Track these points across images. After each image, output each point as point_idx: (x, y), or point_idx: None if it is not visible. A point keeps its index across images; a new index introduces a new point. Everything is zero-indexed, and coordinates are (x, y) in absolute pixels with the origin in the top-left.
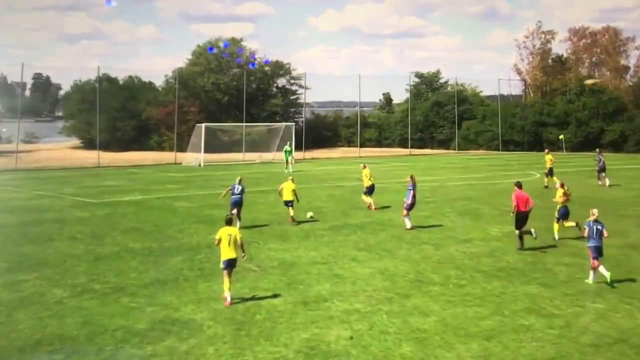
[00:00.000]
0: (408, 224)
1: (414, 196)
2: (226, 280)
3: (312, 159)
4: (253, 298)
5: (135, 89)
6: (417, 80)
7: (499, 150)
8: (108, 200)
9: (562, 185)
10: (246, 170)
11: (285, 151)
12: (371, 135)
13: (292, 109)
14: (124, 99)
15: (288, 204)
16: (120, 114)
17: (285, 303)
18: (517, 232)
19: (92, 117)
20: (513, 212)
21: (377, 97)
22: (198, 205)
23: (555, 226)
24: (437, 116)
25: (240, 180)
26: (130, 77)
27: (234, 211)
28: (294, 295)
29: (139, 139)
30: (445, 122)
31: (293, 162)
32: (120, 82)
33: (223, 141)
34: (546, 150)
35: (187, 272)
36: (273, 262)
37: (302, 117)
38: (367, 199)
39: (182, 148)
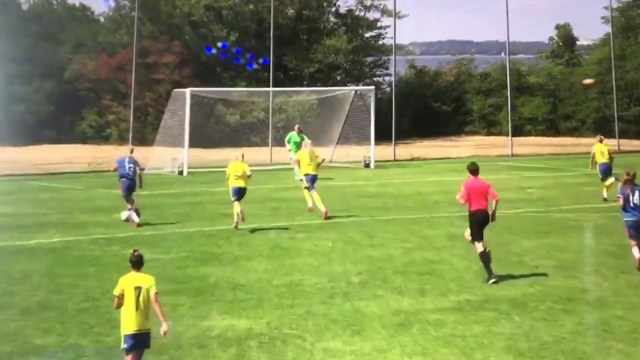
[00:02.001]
0: None
1: None
2: None
3: (409, 160)
4: None
5: (54, 20)
6: None
7: None
8: None
9: (600, 141)
10: (274, 184)
11: (293, 141)
12: (535, 110)
13: (370, 59)
14: (31, 39)
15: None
16: (21, 71)
17: None
18: (476, 246)
19: None
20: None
21: (543, 35)
22: (175, 257)
23: (603, 187)
24: None
25: (132, 152)
26: None
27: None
28: None
29: (58, 121)
30: None
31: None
32: (24, 7)
33: (228, 124)
34: (599, 137)
35: None
36: None
37: (390, 76)
38: None
39: (144, 138)
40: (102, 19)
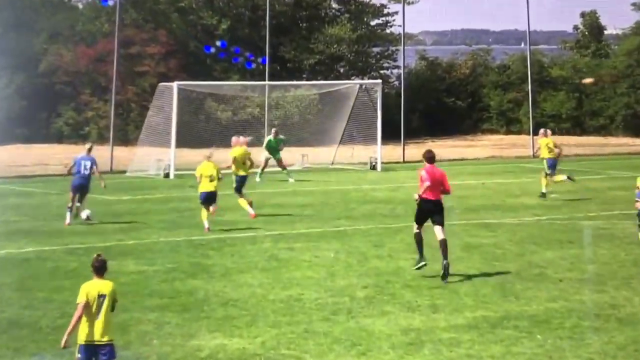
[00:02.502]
0: None
1: None
2: None
3: (420, 162)
4: None
5: (26, 7)
6: None
7: None
8: None
9: (546, 134)
10: (270, 189)
11: (270, 145)
12: (559, 106)
13: (377, 50)
14: (1, 28)
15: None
16: None
17: None
18: (415, 229)
19: None
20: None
21: (567, 24)
22: (161, 269)
23: (543, 181)
24: None
25: (90, 150)
26: None
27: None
28: None
29: (32, 118)
30: None
31: (280, 166)
32: None
33: (219, 122)
34: (543, 131)
35: None
36: None
37: (398, 68)
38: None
39: (126, 137)
40: (80, 6)
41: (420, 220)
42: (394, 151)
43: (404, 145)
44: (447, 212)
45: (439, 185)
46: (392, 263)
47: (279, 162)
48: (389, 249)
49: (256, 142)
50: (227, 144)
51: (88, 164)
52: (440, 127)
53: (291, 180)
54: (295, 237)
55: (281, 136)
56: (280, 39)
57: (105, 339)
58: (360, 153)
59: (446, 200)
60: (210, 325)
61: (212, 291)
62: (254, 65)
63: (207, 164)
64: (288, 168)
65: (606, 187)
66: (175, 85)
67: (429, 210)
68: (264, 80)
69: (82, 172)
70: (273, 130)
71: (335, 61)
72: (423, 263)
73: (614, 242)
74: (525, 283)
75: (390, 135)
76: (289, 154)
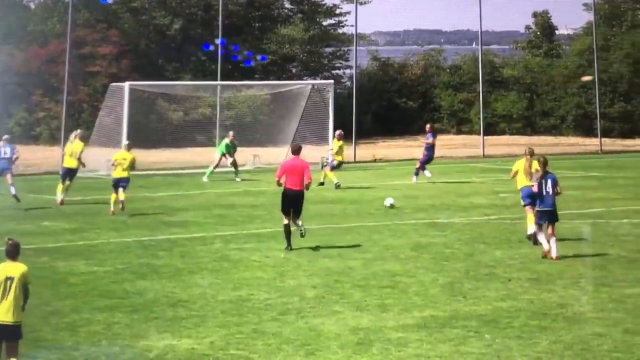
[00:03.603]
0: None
1: None
2: None
3: (371, 162)
4: None
5: None
6: None
7: None
8: None
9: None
10: (221, 189)
11: (227, 149)
12: (510, 106)
13: (329, 51)
14: None
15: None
16: None
17: None
18: (285, 221)
19: None
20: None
21: (519, 24)
22: (111, 269)
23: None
24: None
25: (6, 139)
26: None
27: None
28: None
29: None
30: None
31: (233, 165)
32: None
33: (170, 122)
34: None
35: None
36: None
37: (351, 68)
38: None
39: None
40: (32, 6)
41: (287, 210)
42: (345, 151)
43: (355, 146)
44: (397, 212)
45: (300, 175)
46: (342, 263)
47: (233, 162)
48: (339, 249)
49: (206, 142)
50: (179, 145)
51: (7, 150)
52: (392, 127)
53: (238, 179)
54: (246, 237)
55: (235, 142)
56: (233, 38)
57: (11, 319)
58: (311, 153)
59: (397, 200)
60: (160, 326)
61: (162, 292)
62: (253, 63)
63: (123, 153)
64: (239, 168)
65: None
66: (126, 85)
67: (294, 198)
68: (216, 80)
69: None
70: (231, 133)
71: (288, 61)
72: (290, 249)
73: (563, 242)
74: (474, 283)
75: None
76: (240, 154)
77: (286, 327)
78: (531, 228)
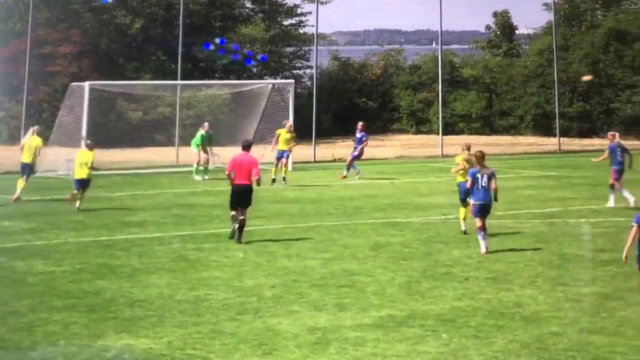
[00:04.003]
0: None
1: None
2: None
3: (330, 162)
4: None
5: None
6: None
7: None
8: None
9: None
10: (180, 188)
11: (202, 140)
12: (469, 106)
13: (289, 50)
14: None
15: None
16: None
17: None
18: (232, 213)
19: None
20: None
21: (479, 24)
22: (69, 269)
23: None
24: (618, 64)
25: None
26: None
27: None
28: None
29: None
30: None
31: (209, 160)
32: None
33: (130, 121)
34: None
35: None
36: None
37: (311, 68)
38: None
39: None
40: None
41: (235, 205)
42: (305, 151)
43: (315, 145)
44: (355, 212)
45: (248, 171)
46: (300, 262)
47: (207, 160)
48: (298, 248)
49: (166, 142)
50: (138, 144)
51: None
52: (352, 127)
53: (200, 178)
54: (205, 237)
55: (210, 132)
56: (193, 38)
57: None
58: (271, 153)
59: (355, 200)
60: (117, 326)
61: (119, 292)
62: (253, 62)
63: (84, 152)
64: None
65: (514, 186)
66: (86, 85)
67: (242, 193)
68: (176, 79)
69: None
70: (206, 124)
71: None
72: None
73: (521, 241)
74: (432, 282)
75: (302, 135)
76: (204, 155)
77: (244, 326)
78: (464, 225)
